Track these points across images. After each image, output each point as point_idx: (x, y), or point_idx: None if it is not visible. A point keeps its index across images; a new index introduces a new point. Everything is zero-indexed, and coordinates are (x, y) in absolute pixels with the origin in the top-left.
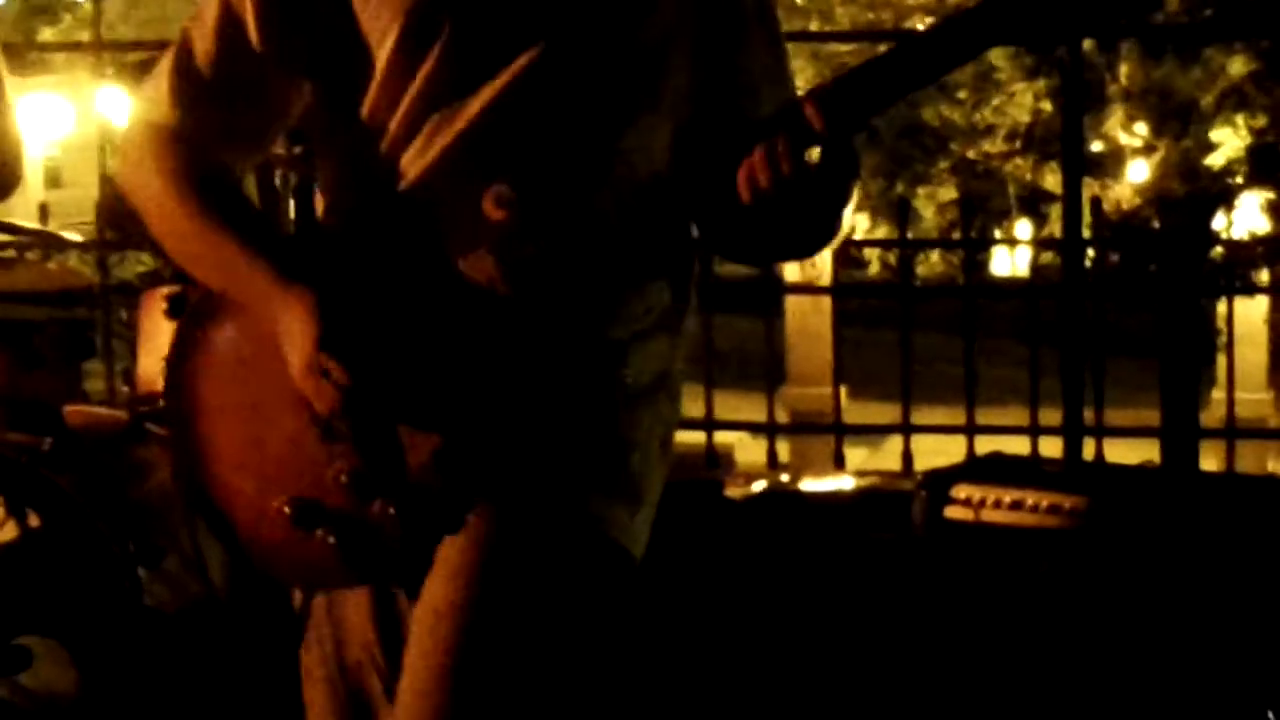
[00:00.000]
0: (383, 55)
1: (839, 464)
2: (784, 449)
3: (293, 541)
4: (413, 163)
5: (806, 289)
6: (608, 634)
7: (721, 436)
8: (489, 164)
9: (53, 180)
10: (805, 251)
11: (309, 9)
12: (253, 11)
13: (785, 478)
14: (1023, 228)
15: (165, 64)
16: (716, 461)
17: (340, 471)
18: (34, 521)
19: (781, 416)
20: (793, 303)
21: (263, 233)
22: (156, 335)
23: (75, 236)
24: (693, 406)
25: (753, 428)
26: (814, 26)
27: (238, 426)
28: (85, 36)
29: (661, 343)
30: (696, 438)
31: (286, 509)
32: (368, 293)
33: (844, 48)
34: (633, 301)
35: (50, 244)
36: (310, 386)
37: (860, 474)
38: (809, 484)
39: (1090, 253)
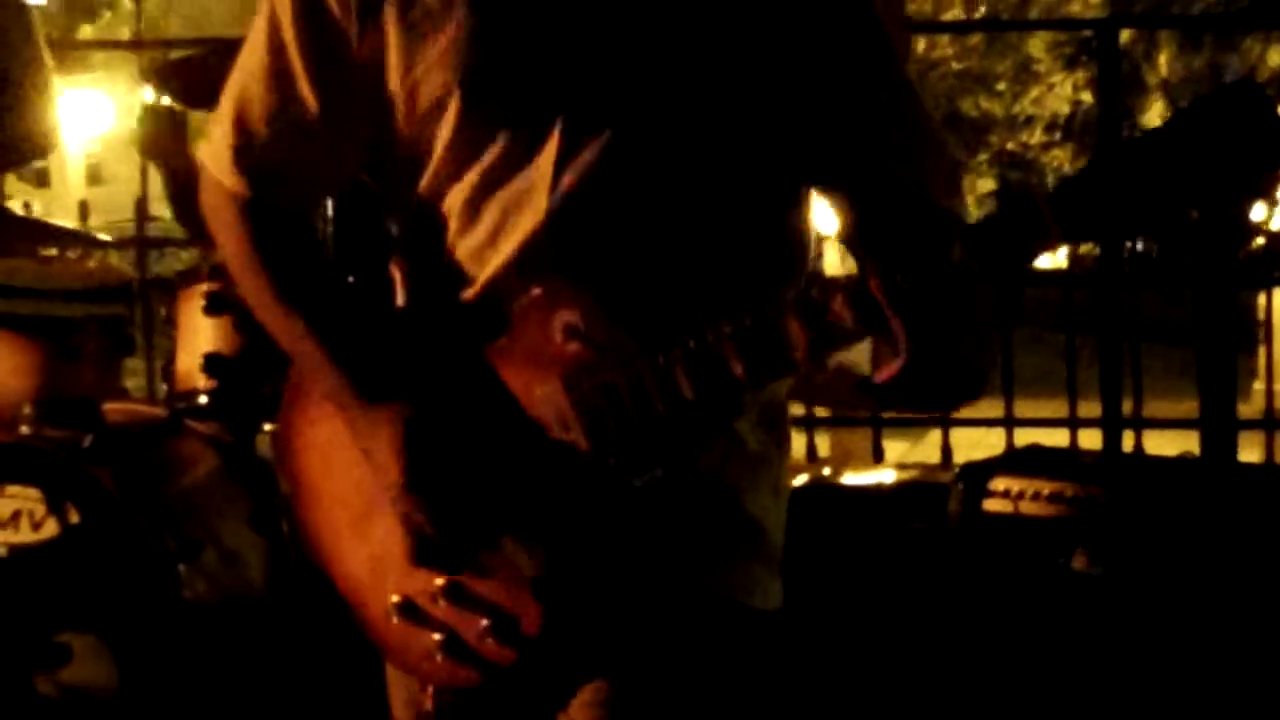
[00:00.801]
0: (444, 129)
1: (877, 457)
2: (825, 442)
3: (407, 635)
4: (481, 254)
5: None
6: (761, 691)
7: None
8: (562, 269)
9: (93, 177)
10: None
11: (356, 69)
12: (303, 72)
13: (826, 471)
14: None
15: (224, 124)
16: None
17: (436, 581)
18: (74, 517)
19: (822, 409)
20: None
21: (343, 321)
22: (194, 332)
23: (106, 238)
24: None
25: (792, 421)
26: None
27: (348, 510)
28: (125, 33)
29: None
30: None
31: (394, 608)
32: (450, 414)
33: None
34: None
35: (88, 244)
36: (403, 515)
37: (900, 466)
38: (848, 477)
39: (1128, 243)
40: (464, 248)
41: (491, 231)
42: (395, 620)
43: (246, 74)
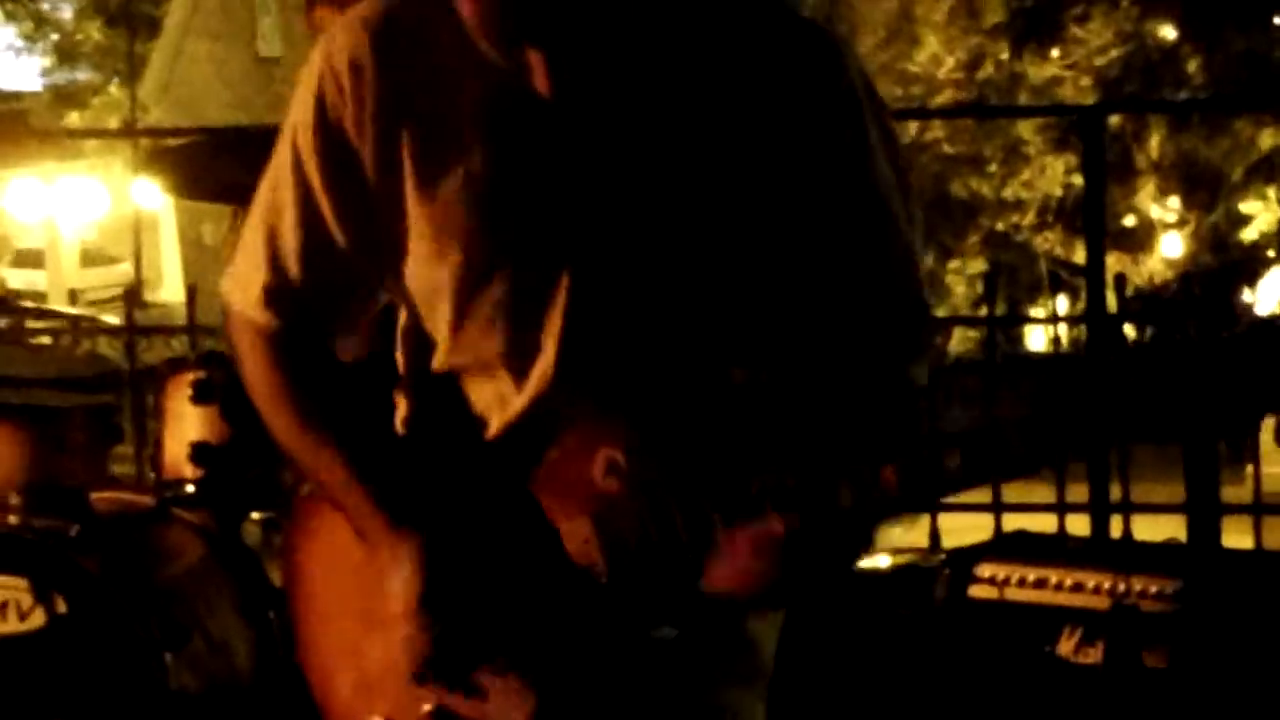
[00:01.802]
0: (455, 262)
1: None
2: None
3: None
4: (497, 394)
5: None
6: None
7: None
8: (594, 405)
9: (88, 262)
10: None
11: (377, 199)
12: (330, 207)
13: None
14: (1059, 300)
15: (255, 259)
16: None
17: (425, 705)
18: (61, 607)
19: None
20: None
21: (371, 451)
22: (182, 420)
23: (112, 319)
24: None
25: None
26: None
27: (342, 625)
28: (116, 121)
29: None
30: None
31: None
32: (469, 542)
33: None
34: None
35: (79, 329)
36: (408, 636)
37: (893, 550)
38: None
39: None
40: (476, 387)
41: (514, 369)
42: None
43: (273, 211)
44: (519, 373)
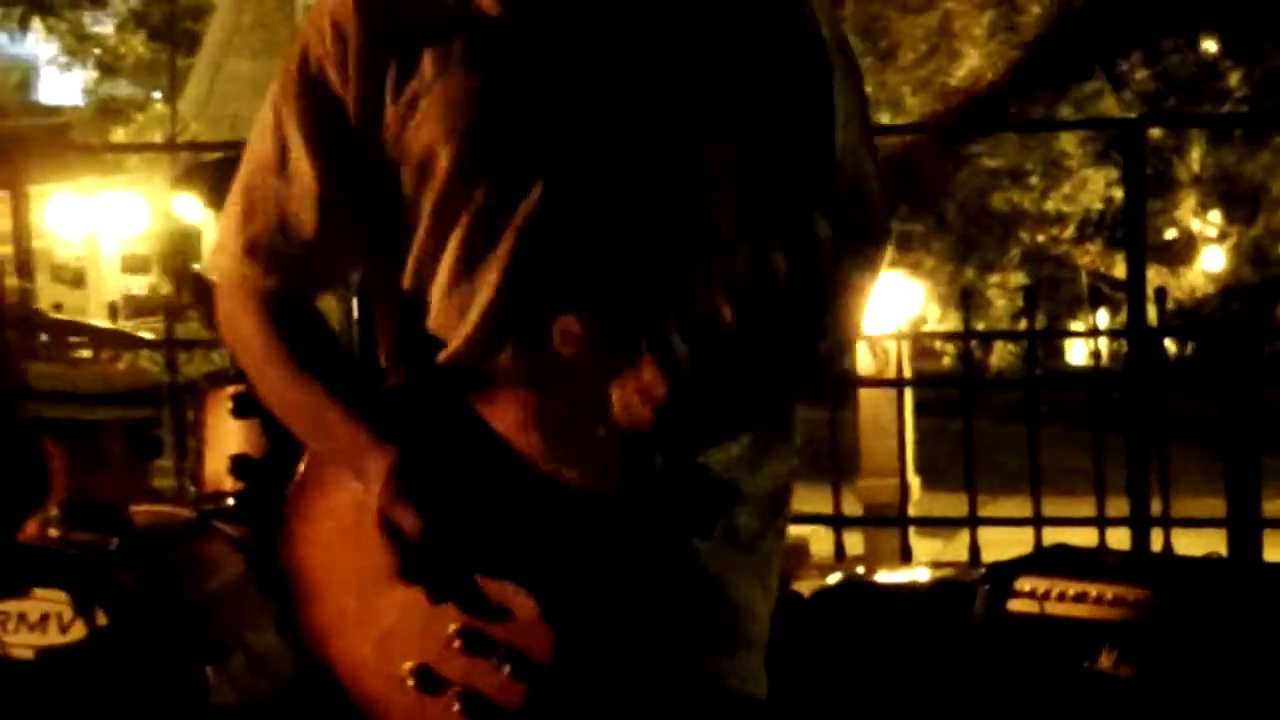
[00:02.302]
0: (433, 185)
1: (905, 557)
2: (856, 541)
3: (422, 707)
4: (461, 312)
5: (876, 382)
6: None
7: (796, 529)
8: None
9: (128, 277)
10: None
11: (355, 137)
12: (304, 146)
13: (860, 569)
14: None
15: (232, 218)
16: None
17: (451, 630)
18: (101, 620)
19: (856, 508)
20: (865, 395)
21: (354, 389)
22: (222, 434)
23: (147, 334)
24: None
25: (821, 520)
26: (885, 118)
27: (353, 595)
28: (158, 136)
29: (773, 464)
30: None
31: (410, 678)
32: (455, 452)
33: (912, 136)
34: (730, 438)
35: (120, 343)
36: (385, 532)
37: (933, 565)
38: (879, 576)
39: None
40: (445, 312)
41: (470, 293)
42: (410, 689)
43: (249, 166)
44: (479, 289)
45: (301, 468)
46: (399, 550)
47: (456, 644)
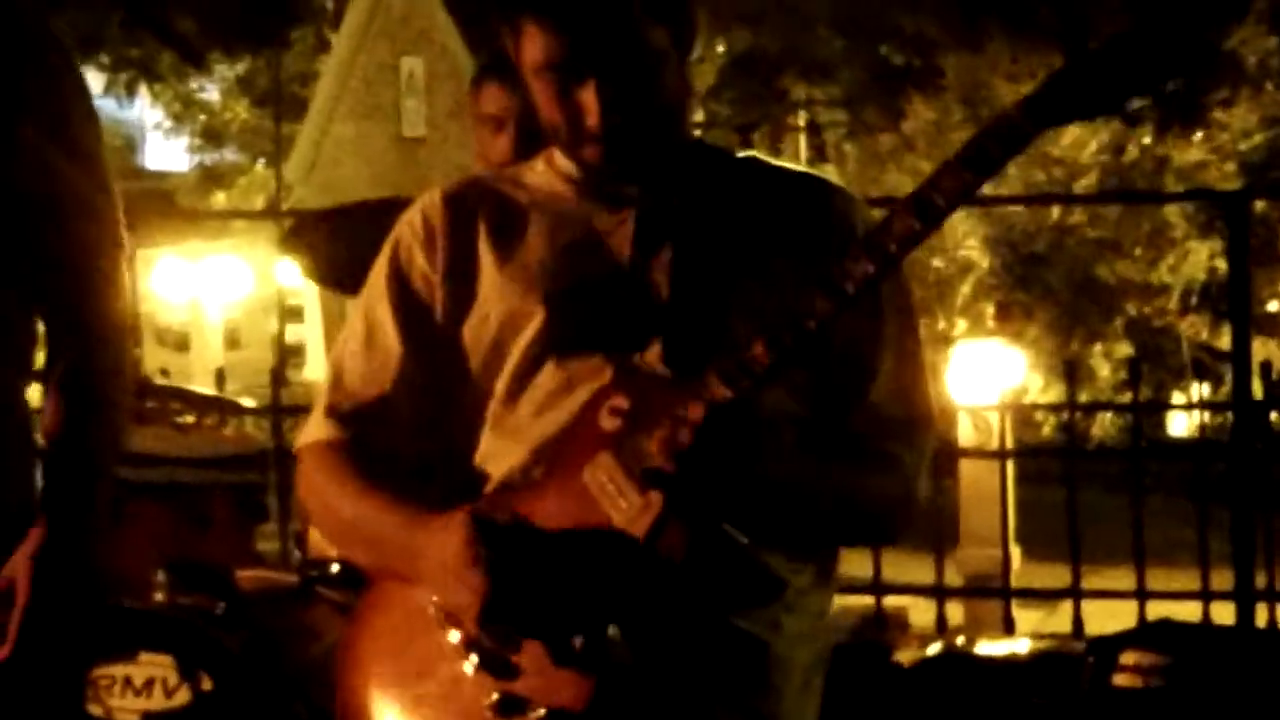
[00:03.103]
0: (520, 343)
1: (1008, 628)
2: (957, 611)
3: None
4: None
5: (978, 453)
6: None
7: (896, 600)
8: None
9: (231, 342)
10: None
11: (436, 323)
12: (391, 323)
13: (960, 640)
14: (1204, 385)
15: (320, 393)
16: (885, 624)
17: (489, 700)
18: (206, 685)
19: (956, 579)
20: (966, 465)
21: (415, 499)
22: None
23: (250, 402)
24: (862, 568)
25: (921, 591)
26: (987, 188)
27: (401, 696)
28: (260, 201)
29: (820, 596)
30: (866, 600)
31: None
32: (508, 526)
33: (1016, 208)
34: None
35: (225, 410)
36: (452, 592)
37: (1035, 637)
38: (980, 647)
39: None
40: (505, 454)
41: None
42: None
43: (341, 342)
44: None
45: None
46: (462, 603)
47: (493, 711)
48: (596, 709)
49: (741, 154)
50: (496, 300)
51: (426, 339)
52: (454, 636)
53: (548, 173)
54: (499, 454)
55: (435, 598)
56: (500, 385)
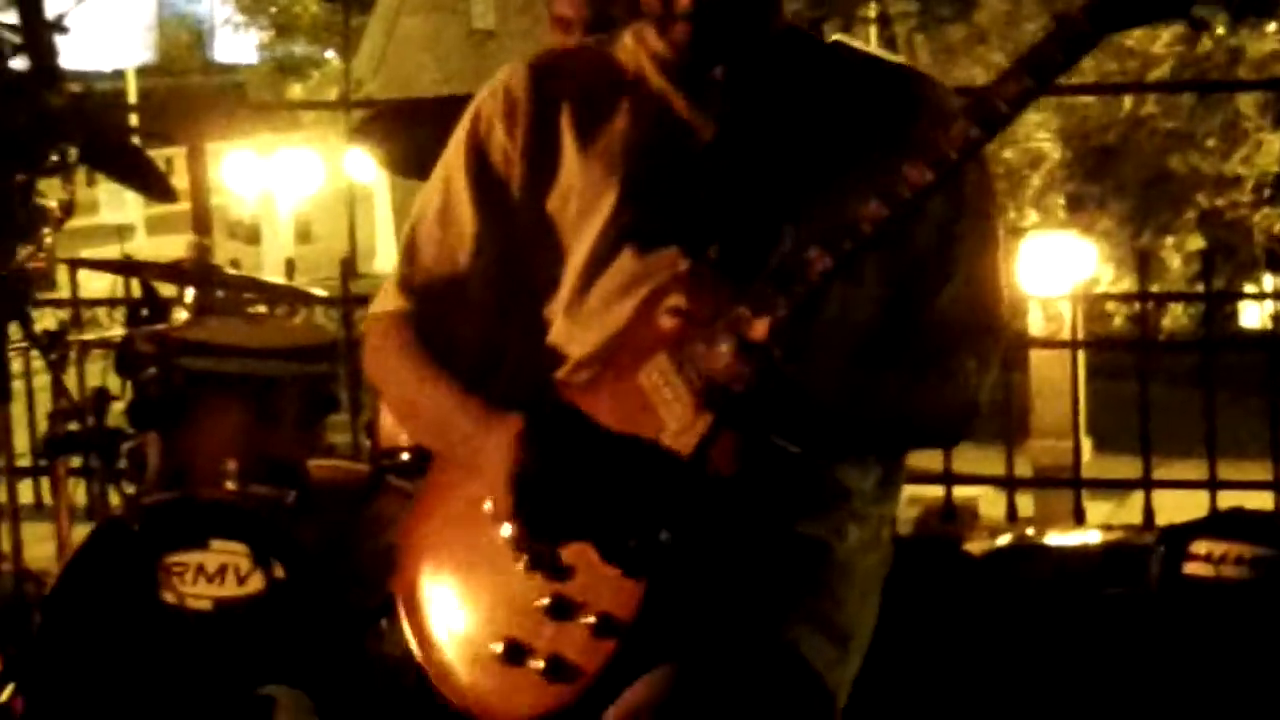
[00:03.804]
0: (593, 227)
1: (1078, 519)
2: (1029, 503)
3: (505, 682)
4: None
5: (1049, 343)
6: None
7: (966, 491)
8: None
9: (302, 235)
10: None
11: (513, 204)
12: (467, 199)
13: (1030, 531)
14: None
15: (397, 263)
16: (954, 516)
17: (541, 601)
18: (279, 573)
19: (1027, 470)
20: (1037, 356)
21: (476, 391)
22: None
23: (321, 292)
24: (931, 460)
25: (992, 481)
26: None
27: (456, 585)
28: (333, 93)
29: (884, 503)
30: (936, 492)
31: (498, 654)
32: (559, 424)
33: (1088, 99)
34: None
35: (296, 299)
36: (504, 495)
37: (1104, 528)
38: (1051, 539)
39: None
40: (581, 338)
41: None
42: (496, 667)
43: (417, 215)
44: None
45: (420, 487)
46: (514, 506)
47: (544, 612)
48: (647, 616)
49: (832, 39)
50: (576, 180)
51: (503, 215)
52: (506, 531)
53: (637, 50)
54: (568, 342)
55: (490, 496)
56: (574, 270)
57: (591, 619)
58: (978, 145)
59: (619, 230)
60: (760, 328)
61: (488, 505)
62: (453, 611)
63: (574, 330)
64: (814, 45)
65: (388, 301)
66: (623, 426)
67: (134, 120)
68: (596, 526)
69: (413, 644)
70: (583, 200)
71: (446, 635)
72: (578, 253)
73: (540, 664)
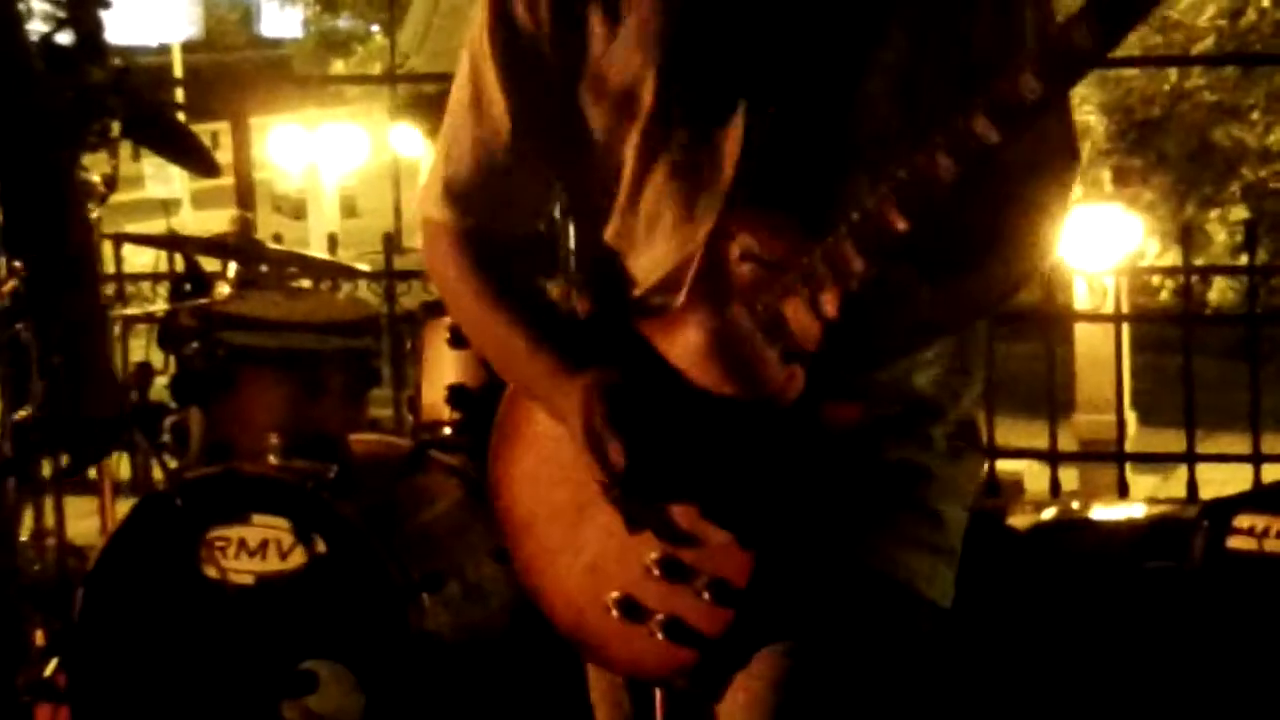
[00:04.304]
0: (637, 115)
1: (1122, 492)
2: (1074, 477)
3: (627, 635)
4: (662, 245)
5: (1094, 317)
6: (922, 689)
7: (1011, 465)
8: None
9: (348, 210)
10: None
11: (547, 79)
12: (498, 87)
13: (1076, 505)
14: None
15: (436, 161)
16: (998, 490)
17: (650, 557)
18: (320, 547)
19: (1071, 444)
20: (1081, 330)
21: (549, 323)
22: (440, 364)
23: (364, 267)
24: None
25: (1035, 455)
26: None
27: (555, 528)
28: (378, 68)
29: (971, 390)
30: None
31: (614, 607)
32: (642, 374)
33: (1131, 72)
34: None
35: (338, 274)
36: (590, 461)
37: (1150, 502)
38: (1095, 512)
39: None
40: (646, 244)
41: (673, 223)
42: (614, 618)
43: (449, 112)
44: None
45: (502, 404)
46: (604, 472)
47: (657, 572)
48: (760, 581)
49: None
50: (607, 66)
51: (538, 99)
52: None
53: None
54: (629, 250)
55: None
56: (621, 166)
57: (705, 585)
58: (1046, 103)
59: (663, 122)
60: (831, 303)
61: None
62: (560, 554)
63: (633, 239)
64: None
65: (436, 210)
66: (706, 375)
67: (180, 95)
68: (699, 489)
69: (520, 572)
70: (617, 90)
71: (555, 576)
72: (621, 148)
73: (659, 624)
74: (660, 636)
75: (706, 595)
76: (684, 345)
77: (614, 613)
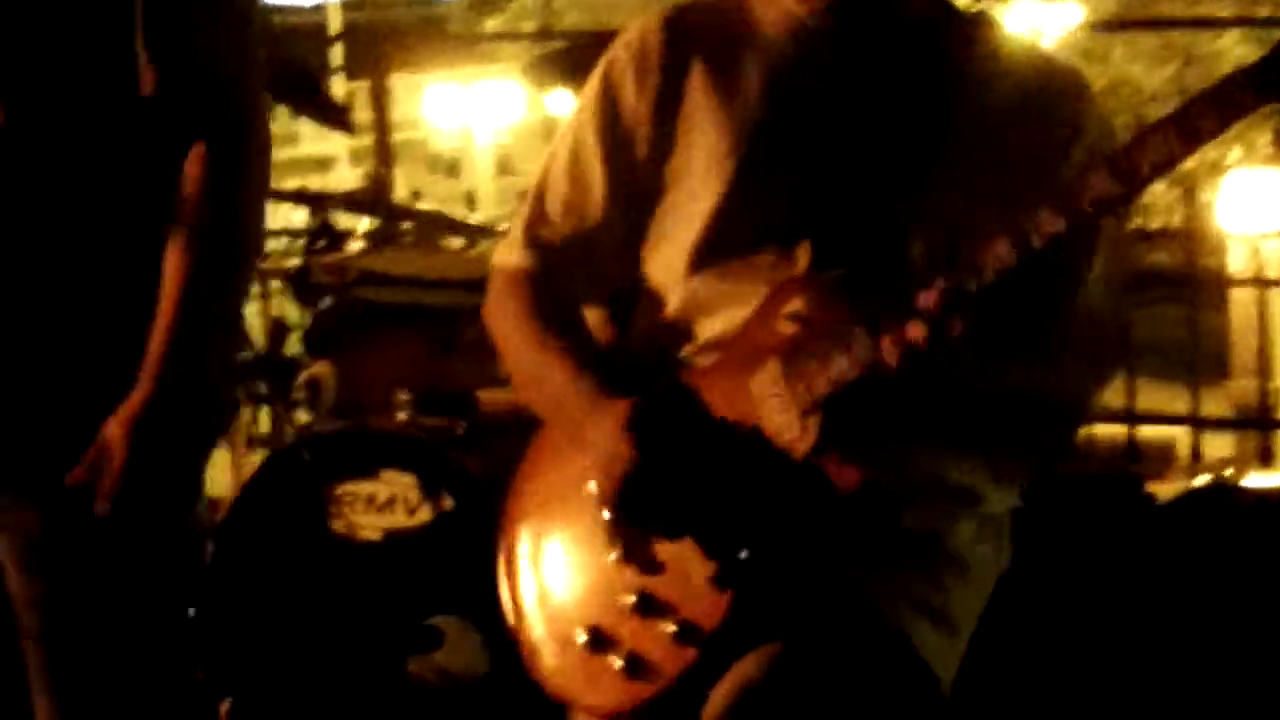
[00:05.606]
0: (715, 189)
1: (1264, 460)
2: (1225, 444)
3: (586, 669)
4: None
5: (1246, 281)
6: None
7: (1163, 431)
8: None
9: (502, 168)
10: None
11: (639, 161)
12: (597, 158)
13: (1228, 473)
14: None
15: (521, 211)
16: (1138, 456)
17: (628, 596)
18: (447, 504)
19: (1228, 410)
20: (1237, 295)
21: (593, 360)
22: None
23: (504, 226)
24: (1113, 398)
25: (1182, 421)
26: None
27: (552, 560)
28: (531, 25)
29: (997, 496)
30: (1119, 430)
31: (583, 634)
32: (669, 408)
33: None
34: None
35: (473, 233)
36: (600, 479)
37: None
38: (1247, 480)
39: None
40: (717, 312)
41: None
42: (579, 649)
43: (547, 167)
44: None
45: (529, 449)
46: (612, 491)
47: (631, 607)
48: (730, 627)
49: (977, 9)
50: (699, 146)
51: (630, 172)
52: (606, 517)
53: (772, 7)
54: (689, 311)
55: (594, 477)
56: (692, 237)
57: (674, 624)
58: (1115, 204)
59: (738, 205)
60: (890, 354)
61: (591, 486)
62: (545, 585)
63: (695, 301)
64: (965, 23)
65: (512, 253)
66: (733, 417)
67: (338, 53)
68: (696, 524)
69: (508, 610)
70: (704, 168)
71: (538, 609)
72: (694, 221)
73: (621, 659)
74: (618, 667)
75: (672, 634)
76: (719, 391)
77: (583, 646)
